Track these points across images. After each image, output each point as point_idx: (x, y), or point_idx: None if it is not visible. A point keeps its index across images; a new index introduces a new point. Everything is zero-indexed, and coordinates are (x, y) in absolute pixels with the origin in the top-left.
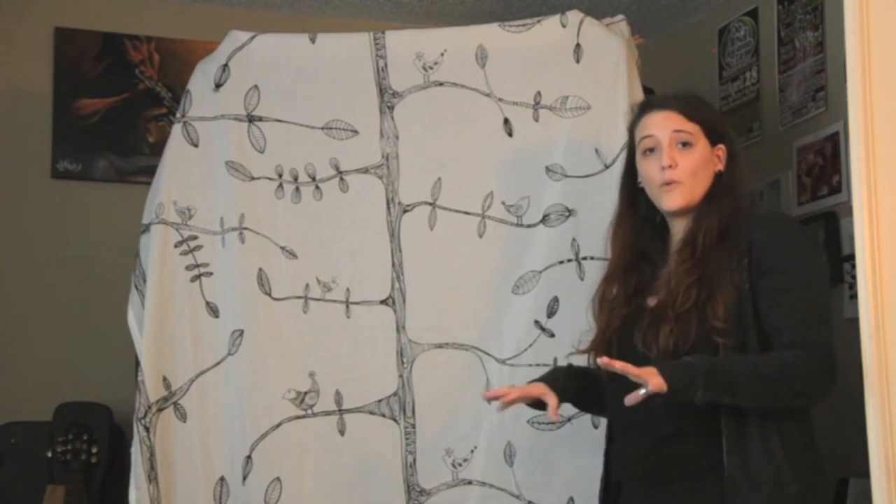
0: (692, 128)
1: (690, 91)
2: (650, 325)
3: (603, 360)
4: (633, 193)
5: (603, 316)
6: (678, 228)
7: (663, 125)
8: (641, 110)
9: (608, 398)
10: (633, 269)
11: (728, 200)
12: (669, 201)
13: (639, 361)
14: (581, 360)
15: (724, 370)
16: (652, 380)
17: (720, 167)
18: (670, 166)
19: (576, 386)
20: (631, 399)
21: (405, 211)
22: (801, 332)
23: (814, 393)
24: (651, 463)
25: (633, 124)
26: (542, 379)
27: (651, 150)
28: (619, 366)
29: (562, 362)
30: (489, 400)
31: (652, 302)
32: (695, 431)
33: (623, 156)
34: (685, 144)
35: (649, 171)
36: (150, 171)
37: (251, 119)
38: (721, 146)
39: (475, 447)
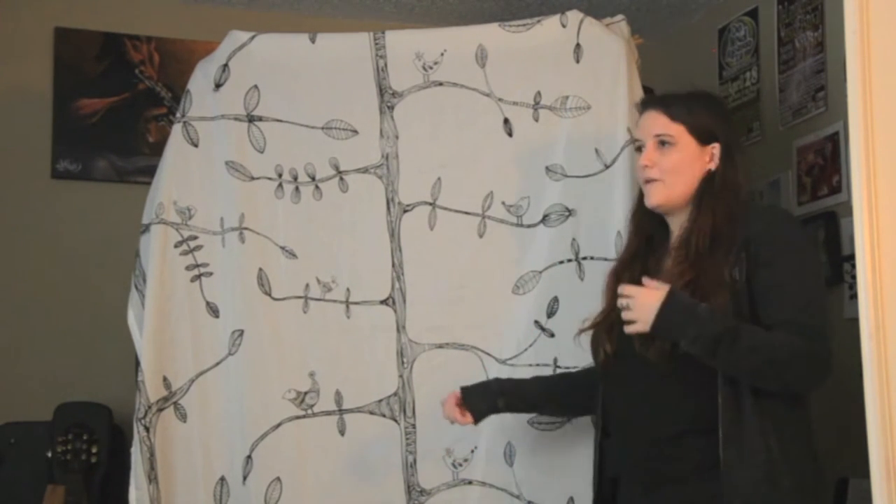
0: (675, 129)
1: (693, 89)
2: None
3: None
4: None
5: (609, 297)
6: (674, 226)
7: (647, 127)
8: (640, 109)
9: (604, 391)
10: (640, 257)
11: (722, 200)
12: (648, 198)
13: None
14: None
15: (731, 342)
16: (654, 293)
17: (711, 166)
18: (647, 166)
19: (536, 393)
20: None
21: (405, 211)
22: (800, 325)
23: (802, 383)
24: (651, 464)
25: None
26: (469, 394)
27: (639, 149)
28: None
29: (562, 362)
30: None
31: None
32: (694, 430)
33: (623, 155)
34: (664, 144)
35: (636, 170)
36: (150, 171)
37: (251, 119)
38: (715, 145)
39: (475, 447)
